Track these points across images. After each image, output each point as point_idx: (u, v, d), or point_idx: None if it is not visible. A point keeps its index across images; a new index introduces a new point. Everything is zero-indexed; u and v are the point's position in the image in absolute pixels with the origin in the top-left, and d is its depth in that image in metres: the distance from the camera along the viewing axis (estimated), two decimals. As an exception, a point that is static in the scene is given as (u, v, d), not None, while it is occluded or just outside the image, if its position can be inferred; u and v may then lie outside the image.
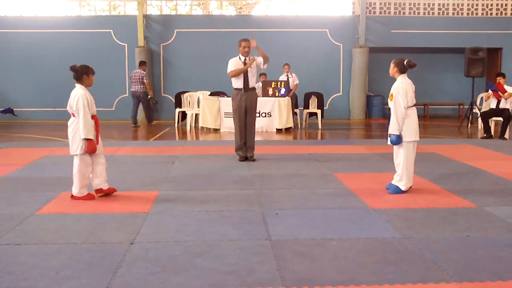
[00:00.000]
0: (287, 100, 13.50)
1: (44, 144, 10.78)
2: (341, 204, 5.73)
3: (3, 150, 9.85)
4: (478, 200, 5.83)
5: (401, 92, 6.02)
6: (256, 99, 8.74)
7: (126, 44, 17.29)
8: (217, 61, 16.68)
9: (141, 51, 16.95)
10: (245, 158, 8.61)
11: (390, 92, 6.12)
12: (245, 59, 8.51)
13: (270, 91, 13.62)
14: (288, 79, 14.33)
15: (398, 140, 6.07)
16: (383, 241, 4.43)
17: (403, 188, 6.16)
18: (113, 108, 17.25)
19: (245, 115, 8.58)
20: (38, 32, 17.11)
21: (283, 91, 13.61)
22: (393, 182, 6.27)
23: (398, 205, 5.64)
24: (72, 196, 5.91)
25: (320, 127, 14.37)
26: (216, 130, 13.46)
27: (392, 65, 6.17)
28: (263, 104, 13.40)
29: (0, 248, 4.26)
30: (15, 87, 17.11)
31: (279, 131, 13.37)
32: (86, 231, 4.71)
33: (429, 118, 17.70)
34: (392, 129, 6.08)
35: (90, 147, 5.76)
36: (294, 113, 14.40)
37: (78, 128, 5.74)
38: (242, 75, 8.45)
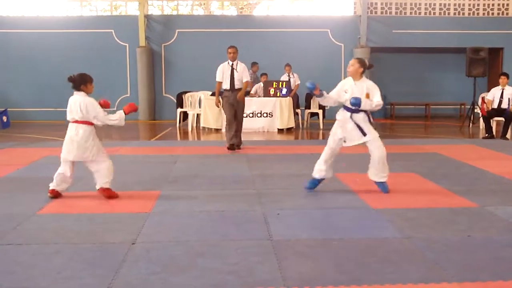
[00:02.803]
0: (288, 100, 13.50)
1: (45, 144, 10.79)
2: (342, 204, 5.72)
3: (4, 150, 9.86)
4: (479, 200, 5.82)
5: (377, 88, 6.11)
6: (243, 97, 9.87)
7: (127, 44, 17.29)
8: (218, 61, 16.36)
9: (142, 51, 16.96)
10: (233, 147, 9.76)
11: (366, 92, 6.06)
12: (232, 63, 9.68)
13: (272, 91, 13.61)
14: (289, 79, 14.32)
15: (358, 105, 5.94)
16: (384, 241, 4.43)
17: (386, 179, 6.16)
18: (115, 108, 17.23)
19: (234, 111, 9.77)
20: (40, 32, 17.12)
21: (284, 91, 13.60)
22: (377, 180, 6.20)
23: (400, 205, 5.63)
24: (106, 191, 5.94)
25: (321, 127, 14.37)
26: (218, 130, 13.45)
27: (357, 64, 6.18)
28: (265, 104, 13.40)
29: (1, 248, 4.26)
30: (16, 87, 17.12)
31: (280, 131, 13.37)
32: (87, 231, 4.71)
33: (430, 118, 17.69)
34: (366, 104, 5.98)
35: (130, 109, 5.91)
36: (296, 113, 14.40)
37: (91, 134, 5.77)
38: (229, 78, 9.66)
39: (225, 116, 10.28)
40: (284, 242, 4.37)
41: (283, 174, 7.38)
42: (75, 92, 5.79)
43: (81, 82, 5.75)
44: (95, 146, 5.82)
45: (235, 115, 9.75)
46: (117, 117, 5.85)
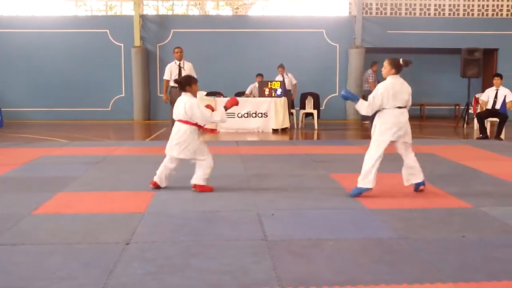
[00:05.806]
0: (283, 101, 13.49)
1: (40, 144, 10.75)
2: (338, 204, 5.73)
3: (0, 150, 9.83)
4: (474, 200, 5.84)
5: (376, 88, 5.95)
6: None
7: (122, 44, 17.25)
8: (213, 62, 16.70)
9: (137, 51, 16.93)
10: None
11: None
12: (179, 63, 10.99)
13: (267, 91, 13.61)
14: (283, 79, 14.34)
15: (347, 98, 6.13)
16: (379, 241, 4.43)
17: (369, 186, 5.97)
18: (109, 108, 17.21)
19: None
20: (35, 32, 17.05)
21: (279, 91, 13.60)
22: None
23: (395, 206, 5.64)
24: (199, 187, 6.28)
25: (316, 127, 14.38)
26: (213, 130, 13.39)
27: (388, 66, 5.93)
28: (259, 104, 13.40)
29: (-5, 248, 4.25)
30: (10, 87, 17.03)
31: (275, 131, 13.35)
32: (82, 231, 4.70)
33: (425, 118, 17.72)
34: (361, 106, 6.03)
35: (232, 102, 6.40)
36: (290, 114, 14.41)
37: (192, 133, 6.11)
38: (177, 76, 10.38)
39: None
40: (279, 242, 4.37)
41: (278, 174, 7.38)
42: (183, 93, 6.17)
43: (186, 84, 6.13)
44: (194, 145, 6.15)
45: None
46: (220, 115, 6.20)
